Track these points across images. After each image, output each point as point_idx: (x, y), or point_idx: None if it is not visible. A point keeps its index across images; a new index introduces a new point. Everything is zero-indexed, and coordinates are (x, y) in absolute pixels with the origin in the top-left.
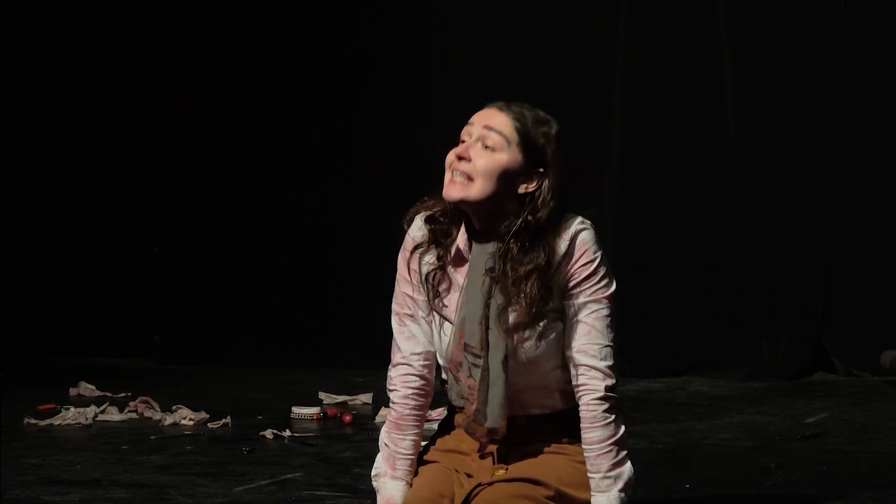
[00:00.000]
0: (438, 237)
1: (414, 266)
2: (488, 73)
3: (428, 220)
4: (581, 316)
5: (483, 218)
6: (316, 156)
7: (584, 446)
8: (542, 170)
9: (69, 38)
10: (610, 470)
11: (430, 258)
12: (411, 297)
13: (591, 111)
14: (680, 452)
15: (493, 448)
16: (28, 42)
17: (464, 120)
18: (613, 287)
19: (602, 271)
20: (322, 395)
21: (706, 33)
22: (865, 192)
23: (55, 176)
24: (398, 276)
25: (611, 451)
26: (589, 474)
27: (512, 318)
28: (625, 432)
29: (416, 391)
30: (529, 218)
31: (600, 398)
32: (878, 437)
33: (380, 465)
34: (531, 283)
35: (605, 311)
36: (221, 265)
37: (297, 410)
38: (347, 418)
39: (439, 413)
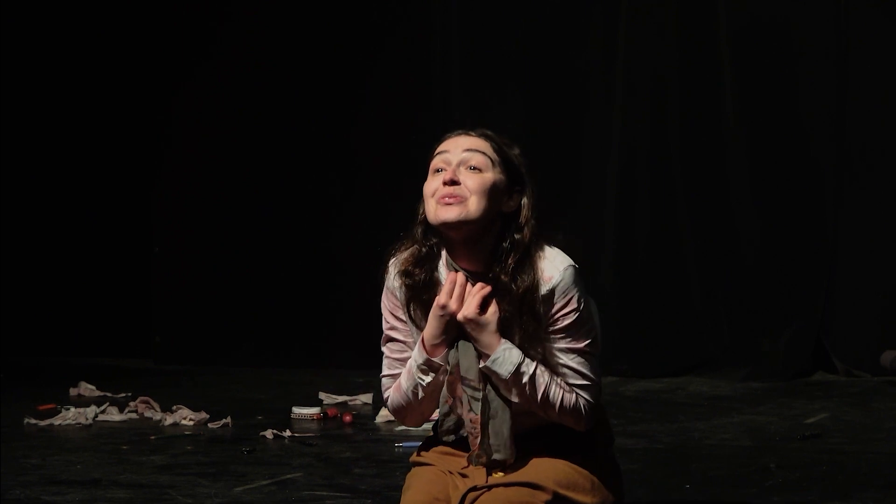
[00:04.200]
0: (419, 293)
1: (402, 321)
2: (488, 75)
3: (404, 275)
4: (565, 360)
5: (467, 246)
6: (316, 156)
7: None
8: (519, 188)
9: (70, 39)
10: (546, 389)
11: (418, 315)
12: (402, 342)
13: (592, 111)
14: (680, 452)
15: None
16: (29, 43)
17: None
18: (594, 334)
19: (584, 320)
20: (322, 395)
21: (706, 33)
22: (865, 192)
23: (56, 176)
24: (387, 325)
25: (563, 393)
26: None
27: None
28: (582, 412)
29: None
30: (516, 236)
31: (585, 402)
32: (878, 437)
33: (406, 379)
34: (524, 310)
35: (586, 358)
36: (221, 265)
37: (297, 410)
38: (347, 418)
39: (436, 413)
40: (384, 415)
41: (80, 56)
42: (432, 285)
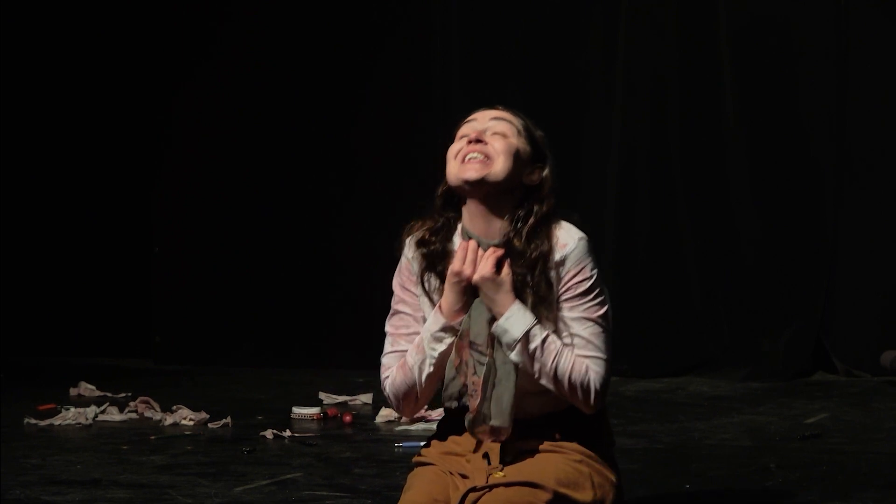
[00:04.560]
0: (434, 261)
1: (413, 294)
2: (488, 76)
3: (420, 244)
4: (576, 329)
5: (485, 210)
6: (316, 156)
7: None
8: (541, 164)
9: (71, 39)
10: (556, 358)
11: (434, 282)
12: (411, 316)
13: (592, 111)
14: (680, 452)
15: (488, 447)
16: (29, 43)
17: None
18: (607, 307)
19: (596, 290)
20: (322, 395)
21: (706, 33)
22: (865, 192)
23: (56, 176)
24: (396, 299)
25: (574, 365)
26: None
27: None
28: (591, 389)
29: None
30: (535, 207)
31: (596, 375)
32: (878, 437)
33: (414, 354)
34: (536, 274)
35: (599, 329)
36: (221, 265)
37: (297, 410)
38: (347, 418)
39: (438, 413)
40: (384, 415)
41: (80, 56)
42: (446, 255)
